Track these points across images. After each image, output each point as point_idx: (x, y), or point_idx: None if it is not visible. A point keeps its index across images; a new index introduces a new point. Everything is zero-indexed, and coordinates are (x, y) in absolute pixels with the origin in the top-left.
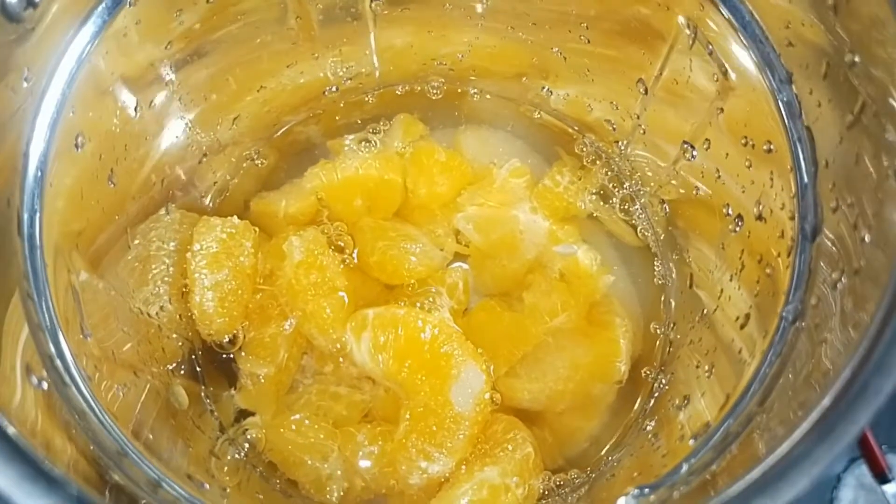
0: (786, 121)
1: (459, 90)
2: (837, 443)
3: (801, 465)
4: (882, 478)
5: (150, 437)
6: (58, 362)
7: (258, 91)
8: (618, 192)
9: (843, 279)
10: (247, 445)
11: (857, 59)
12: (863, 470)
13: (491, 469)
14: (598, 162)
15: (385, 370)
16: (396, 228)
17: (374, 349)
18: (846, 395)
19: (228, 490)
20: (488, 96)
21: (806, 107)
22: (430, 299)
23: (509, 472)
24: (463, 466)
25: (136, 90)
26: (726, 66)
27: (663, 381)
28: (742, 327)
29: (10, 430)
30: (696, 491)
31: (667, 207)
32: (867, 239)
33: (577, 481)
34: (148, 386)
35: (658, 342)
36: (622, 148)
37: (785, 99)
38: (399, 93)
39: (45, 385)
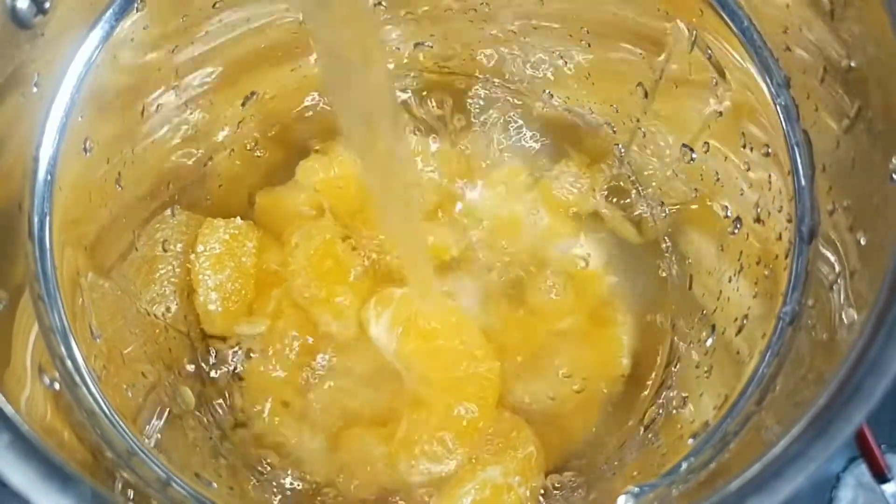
0: (783, 125)
1: (462, 91)
2: (832, 441)
3: (798, 462)
4: (881, 477)
5: (159, 436)
6: (68, 363)
7: (263, 92)
8: (619, 192)
9: (839, 281)
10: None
11: (853, 63)
12: (862, 469)
13: (494, 468)
14: (599, 163)
15: (398, 350)
16: None
17: (393, 326)
18: (841, 395)
19: (234, 488)
20: (492, 97)
21: (803, 111)
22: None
23: (512, 472)
24: (466, 465)
25: (143, 94)
26: (725, 70)
27: (664, 381)
28: (741, 328)
29: (25, 428)
30: (694, 489)
31: (667, 209)
32: (863, 241)
33: (578, 481)
34: (155, 386)
35: (658, 342)
36: (622, 151)
37: (783, 103)
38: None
39: (56, 385)
